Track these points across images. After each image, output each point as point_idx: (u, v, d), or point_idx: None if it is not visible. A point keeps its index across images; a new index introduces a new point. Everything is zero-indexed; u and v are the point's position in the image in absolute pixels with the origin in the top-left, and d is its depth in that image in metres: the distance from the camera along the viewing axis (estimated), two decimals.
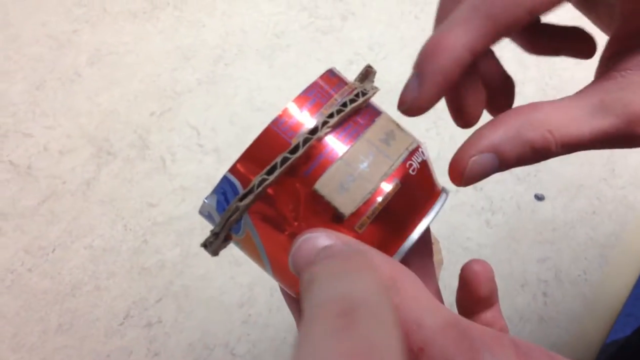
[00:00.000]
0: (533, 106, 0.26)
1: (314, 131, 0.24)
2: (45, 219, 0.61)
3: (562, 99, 0.26)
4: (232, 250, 0.61)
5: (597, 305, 0.61)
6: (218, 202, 0.25)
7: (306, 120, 0.24)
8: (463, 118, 0.28)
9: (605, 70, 0.27)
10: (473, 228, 0.64)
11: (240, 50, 0.76)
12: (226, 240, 0.26)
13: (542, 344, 0.61)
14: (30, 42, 0.74)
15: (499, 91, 0.30)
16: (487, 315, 0.30)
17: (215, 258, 0.60)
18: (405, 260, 0.25)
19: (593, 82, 0.27)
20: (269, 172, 0.24)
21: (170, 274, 0.59)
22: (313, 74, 0.81)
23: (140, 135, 0.68)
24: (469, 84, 0.27)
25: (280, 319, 0.57)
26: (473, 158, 0.25)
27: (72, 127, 0.67)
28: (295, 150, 0.24)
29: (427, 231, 0.29)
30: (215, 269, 0.59)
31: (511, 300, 0.60)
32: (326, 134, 0.24)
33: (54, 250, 0.60)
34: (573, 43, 0.31)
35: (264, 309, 0.58)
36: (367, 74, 0.27)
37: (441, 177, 0.28)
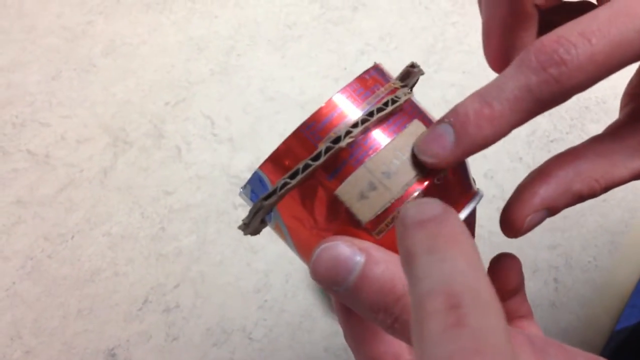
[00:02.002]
0: (577, 154, 0.27)
1: (336, 140, 0.24)
2: (64, 206, 0.62)
3: (602, 140, 0.27)
4: (247, 238, 0.62)
5: (607, 291, 0.62)
6: (252, 192, 0.26)
7: (332, 127, 0.25)
8: None
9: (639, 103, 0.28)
10: (485, 216, 0.65)
11: (252, 41, 0.76)
12: (263, 222, 0.27)
13: (553, 329, 0.62)
14: (45, 33, 0.75)
15: None
16: (513, 302, 0.31)
17: (231, 245, 0.61)
18: None
19: (630, 122, 0.28)
20: (292, 177, 0.25)
21: (187, 260, 0.60)
22: (325, 64, 0.82)
23: (155, 125, 0.69)
24: None
25: (295, 305, 0.58)
26: (529, 217, 0.26)
27: (89, 117, 0.68)
28: (317, 157, 0.24)
29: (472, 217, 0.29)
30: (231, 255, 0.60)
31: None
32: (348, 144, 0.24)
33: (72, 237, 0.61)
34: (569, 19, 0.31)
35: (279, 295, 0.59)
36: (408, 73, 0.27)
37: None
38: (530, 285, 0.61)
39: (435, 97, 0.73)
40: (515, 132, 0.25)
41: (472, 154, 0.25)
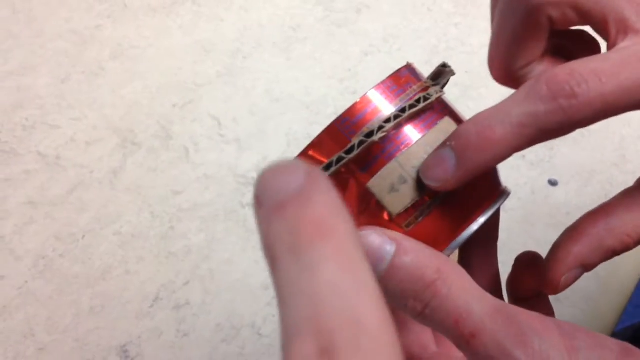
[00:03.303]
0: (607, 210, 0.27)
1: (369, 134, 0.25)
2: (75, 207, 0.63)
3: (632, 194, 0.28)
4: (255, 236, 0.63)
5: (611, 285, 0.63)
6: None
7: (366, 122, 0.25)
8: None
9: None
10: None
11: (258, 44, 0.78)
12: None
13: None
14: (54, 37, 0.76)
15: None
16: (536, 302, 0.31)
17: (239, 243, 0.62)
18: (470, 242, 0.27)
19: None
20: (326, 169, 0.25)
21: (197, 258, 0.61)
22: (329, 65, 0.83)
23: (163, 126, 0.70)
24: None
25: None
26: (564, 276, 0.27)
27: (98, 119, 0.70)
28: (350, 151, 0.25)
29: (497, 214, 0.30)
30: (239, 253, 0.61)
31: None
32: (381, 138, 0.25)
33: (83, 236, 0.62)
34: (577, 48, 0.31)
35: None
36: (440, 73, 0.28)
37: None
38: None
39: None
40: None
41: (474, 176, 0.25)
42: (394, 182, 0.25)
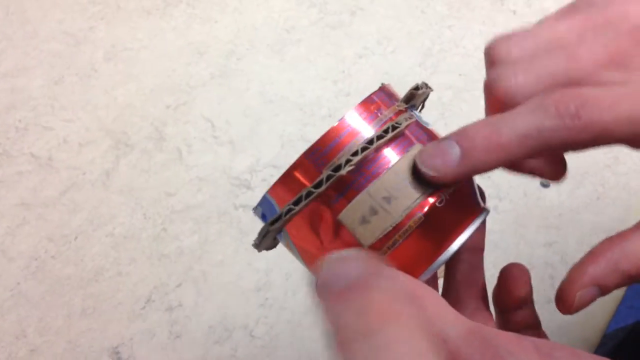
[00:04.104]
0: (625, 236, 0.28)
1: (337, 168, 0.25)
2: (67, 208, 0.63)
3: None
4: (248, 238, 0.63)
5: None
6: (262, 213, 0.27)
7: (336, 153, 0.25)
8: None
9: None
10: None
11: (251, 45, 0.78)
12: (275, 239, 0.28)
13: (550, 325, 0.62)
14: (48, 39, 0.76)
15: None
16: (522, 313, 0.31)
17: (232, 245, 0.62)
18: (456, 256, 0.27)
19: None
20: (296, 203, 0.25)
21: (189, 260, 0.61)
22: (323, 67, 0.83)
23: (156, 128, 0.70)
24: None
25: (295, 302, 0.59)
26: (579, 293, 0.27)
27: (91, 120, 0.69)
28: (319, 185, 0.25)
29: (482, 228, 0.30)
30: (232, 255, 0.61)
31: None
32: (348, 172, 0.25)
33: (76, 238, 0.62)
34: (546, 164, 0.31)
35: (280, 293, 0.60)
36: (412, 96, 0.28)
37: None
38: None
39: (431, 99, 0.74)
40: None
41: (473, 175, 0.25)
42: (365, 213, 0.25)
